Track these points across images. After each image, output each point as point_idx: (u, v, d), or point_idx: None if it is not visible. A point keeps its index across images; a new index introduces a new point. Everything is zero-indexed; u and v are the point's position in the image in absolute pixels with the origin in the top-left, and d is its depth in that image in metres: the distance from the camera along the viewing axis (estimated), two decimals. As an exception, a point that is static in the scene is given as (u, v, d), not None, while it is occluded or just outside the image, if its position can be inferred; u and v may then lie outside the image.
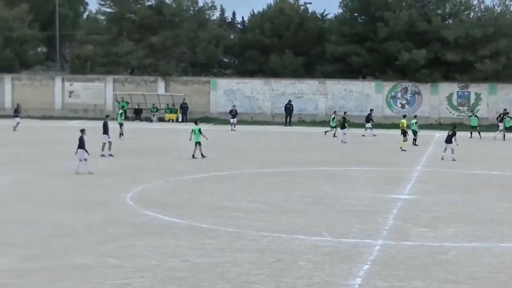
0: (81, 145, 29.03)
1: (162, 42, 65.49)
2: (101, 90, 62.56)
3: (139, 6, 71.17)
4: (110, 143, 35.12)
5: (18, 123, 46.09)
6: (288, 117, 58.55)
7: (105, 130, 35.14)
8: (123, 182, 27.91)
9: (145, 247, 17.86)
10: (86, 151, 29.30)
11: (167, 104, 60.95)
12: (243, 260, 16.59)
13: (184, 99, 59.72)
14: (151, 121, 59.55)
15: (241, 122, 57.49)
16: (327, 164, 34.60)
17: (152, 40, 65.97)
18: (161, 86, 62.86)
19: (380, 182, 29.14)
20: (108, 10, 71.96)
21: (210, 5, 70.65)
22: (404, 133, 41.22)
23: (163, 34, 65.91)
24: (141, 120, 60.27)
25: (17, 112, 47.71)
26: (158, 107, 60.90)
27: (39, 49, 75.39)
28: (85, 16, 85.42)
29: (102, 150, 35.00)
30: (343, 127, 46.87)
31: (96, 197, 24.68)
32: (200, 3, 70.56)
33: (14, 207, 22.81)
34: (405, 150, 40.13)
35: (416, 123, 45.13)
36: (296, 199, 24.98)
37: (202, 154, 35.21)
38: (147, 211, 22.45)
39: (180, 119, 59.64)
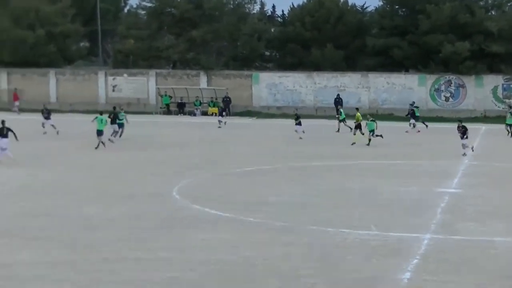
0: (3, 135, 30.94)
1: (202, 36, 65.79)
2: (143, 84, 63.06)
3: (178, 0, 71.56)
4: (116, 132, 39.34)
5: (52, 125, 42.89)
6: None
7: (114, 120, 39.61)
8: (170, 176, 28.17)
9: (194, 240, 18.07)
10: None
11: (211, 98, 61.24)
12: (292, 254, 16.71)
13: (226, 93, 60.01)
14: (194, 115, 59.84)
15: (284, 115, 57.59)
16: (372, 158, 34.52)
17: (192, 34, 66.31)
18: (203, 80, 63.17)
19: (426, 176, 29.00)
20: (148, 4, 72.43)
21: (249, -2, 70.74)
22: (359, 126, 40.70)
23: (203, 28, 66.20)
24: (185, 114, 60.62)
25: (47, 114, 44.12)
26: (201, 101, 61.20)
27: (81, 44, 76.14)
28: (125, 10, 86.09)
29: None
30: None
31: (144, 191, 24.96)
32: (240, -3, 70.65)
33: (60, 200, 23.21)
34: (354, 143, 39.17)
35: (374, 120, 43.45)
36: (343, 193, 25.00)
37: None
38: (194, 204, 22.66)
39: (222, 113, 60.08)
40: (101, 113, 38.04)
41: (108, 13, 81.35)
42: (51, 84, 63.42)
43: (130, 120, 43.00)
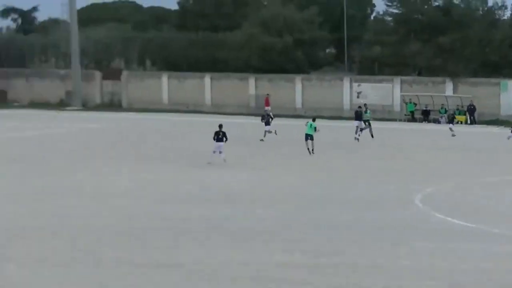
0: (220, 139, 32.25)
1: (450, 43, 64.54)
2: (389, 91, 63.06)
3: (426, 7, 70.66)
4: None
5: (268, 131, 42.48)
6: None
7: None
8: (414, 183, 28.07)
9: (437, 250, 17.96)
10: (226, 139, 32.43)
11: (457, 106, 59.90)
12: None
13: (471, 101, 58.42)
14: (438, 122, 58.86)
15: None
16: None
17: (440, 40, 65.26)
18: (449, 87, 61.94)
19: None
20: (395, 11, 72.36)
21: (500, 4, 68.32)
22: None
23: (451, 34, 64.95)
24: (429, 121, 59.85)
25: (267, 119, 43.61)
26: (446, 109, 60.04)
27: (328, 51, 77.77)
28: (372, 17, 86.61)
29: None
30: None
31: (386, 197, 25.11)
32: (490, 3, 68.40)
33: (307, 206, 23.94)
34: None
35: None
36: None
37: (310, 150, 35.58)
38: (437, 213, 22.45)
39: (468, 121, 58.48)
40: (314, 119, 38.36)
41: (355, 19, 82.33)
42: (297, 89, 65.26)
43: (374, 127, 43.32)
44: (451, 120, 50.02)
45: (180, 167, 32.05)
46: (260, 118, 44.60)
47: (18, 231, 19.71)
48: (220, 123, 33.89)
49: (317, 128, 35.65)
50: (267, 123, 42.61)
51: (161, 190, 26.39)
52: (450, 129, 47.79)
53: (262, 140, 41.53)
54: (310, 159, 34.97)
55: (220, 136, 32.58)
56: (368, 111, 44.70)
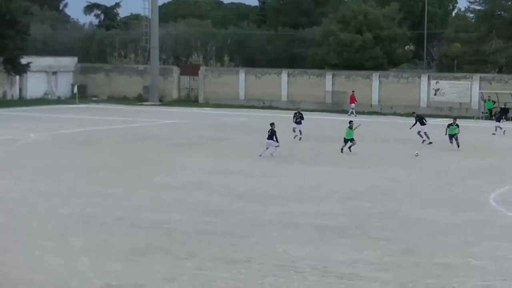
0: (270, 136, 33.18)
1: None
2: (467, 89, 61.69)
3: (510, 3, 68.92)
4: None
5: (300, 131, 39.90)
6: None
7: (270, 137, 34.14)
8: (488, 182, 27.33)
9: (510, 250, 17.39)
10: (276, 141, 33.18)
11: (538, 104, 58.17)
12: None
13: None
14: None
15: None
16: None
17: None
18: (531, 85, 60.31)
19: None
20: (478, 7, 70.82)
21: None
22: None
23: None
24: (508, 119, 58.21)
25: (299, 118, 40.47)
26: (526, 107, 58.35)
27: (407, 47, 76.74)
28: (453, 14, 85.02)
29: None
30: None
31: (461, 196, 24.55)
32: None
33: (381, 203, 23.59)
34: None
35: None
36: None
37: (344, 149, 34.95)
38: (511, 213, 21.81)
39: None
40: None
41: (436, 16, 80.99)
42: (374, 86, 64.56)
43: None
44: (498, 118, 47.92)
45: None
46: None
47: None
48: (272, 121, 34.38)
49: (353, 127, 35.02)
50: (299, 123, 40.26)
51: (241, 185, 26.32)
52: (499, 127, 45.87)
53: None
54: (385, 158, 34.38)
55: (269, 134, 33.53)
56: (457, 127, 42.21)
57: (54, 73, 72.32)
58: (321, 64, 68.37)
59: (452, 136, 37.56)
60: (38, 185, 25.73)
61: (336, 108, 63.03)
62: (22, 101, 66.61)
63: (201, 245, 17.55)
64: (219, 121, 52.48)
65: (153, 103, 68.14)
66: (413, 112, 45.80)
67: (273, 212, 21.68)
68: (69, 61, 74.38)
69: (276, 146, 33.23)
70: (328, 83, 65.92)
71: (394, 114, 60.91)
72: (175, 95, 71.73)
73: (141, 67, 73.70)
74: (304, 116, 41.09)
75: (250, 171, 29.52)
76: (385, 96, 63.87)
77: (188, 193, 24.50)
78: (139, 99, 70.45)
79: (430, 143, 39.34)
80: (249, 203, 22.96)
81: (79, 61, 75.32)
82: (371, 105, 63.92)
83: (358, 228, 19.66)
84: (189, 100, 70.24)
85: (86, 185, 25.85)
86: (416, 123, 40.83)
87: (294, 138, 39.90)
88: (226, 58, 74.10)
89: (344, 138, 35.24)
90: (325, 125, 49.94)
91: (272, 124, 33.60)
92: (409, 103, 62.39)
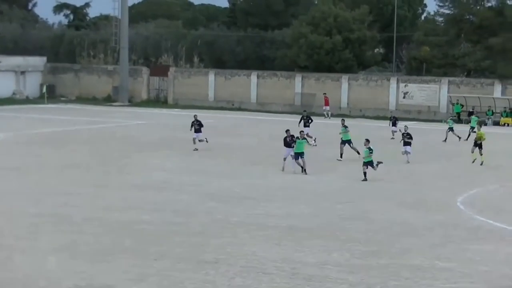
0: (286, 144, 30.39)
1: (501, 44, 63.43)
2: (435, 92, 62.28)
3: (478, 7, 69.62)
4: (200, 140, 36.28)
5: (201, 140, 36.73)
6: None
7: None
8: (456, 185, 27.59)
9: (477, 252, 17.59)
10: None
11: (504, 108, 58.82)
12: None
13: (517, 103, 57.49)
14: (485, 124, 57.84)
15: None
16: None
17: (490, 42, 64.21)
18: (497, 89, 60.88)
19: None
20: (447, 11, 71.41)
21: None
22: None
23: (503, 35, 63.82)
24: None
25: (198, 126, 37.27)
26: (494, 111, 59.00)
27: (376, 50, 77.08)
28: (423, 17, 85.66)
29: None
30: None
31: (429, 198, 24.74)
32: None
33: (351, 205, 23.71)
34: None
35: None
36: None
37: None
38: (479, 216, 22.00)
39: (517, 124, 57.44)
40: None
41: (405, 19, 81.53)
42: (343, 89, 64.85)
43: (418, 128, 42.75)
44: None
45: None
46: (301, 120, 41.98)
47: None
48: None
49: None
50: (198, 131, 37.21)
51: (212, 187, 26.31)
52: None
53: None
54: (353, 160, 34.59)
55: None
56: (451, 121, 44.22)
57: (23, 72, 71.71)
58: (290, 66, 68.50)
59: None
60: (6, 184, 25.51)
61: (305, 110, 62.93)
62: (-11, 101, 66.16)
63: (170, 245, 17.53)
64: (188, 123, 52.14)
65: (122, 104, 67.98)
66: (391, 112, 47.49)
67: (242, 213, 21.72)
68: (38, 61, 73.84)
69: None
70: (298, 85, 66.19)
71: (363, 116, 61.30)
72: (144, 96, 71.54)
73: (110, 67, 73.44)
74: (311, 118, 41.89)
75: (219, 172, 29.54)
76: (354, 99, 64.22)
77: (157, 193, 24.45)
78: (108, 100, 70.21)
79: (392, 138, 42.16)
80: (219, 204, 22.98)
81: (48, 60, 74.84)
82: (340, 107, 64.20)
83: (327, 230, 19.74)
84: (158, 101, 70.12)
85: (55, 184, 25.70)
86: (390, 122, 44.22)
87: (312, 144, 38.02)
88: (196, 59, 74.05)
89: (343, 141, 34.75)
90: (294, 127, 49.93)
91: (287, 131, 31.07)
92: (378, 106, 62.81)
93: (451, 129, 43.61)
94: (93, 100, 69.72)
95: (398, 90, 63.12)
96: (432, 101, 62.01)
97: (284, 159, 30.26)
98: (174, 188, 25.54)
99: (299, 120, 41.91)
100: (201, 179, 27.79)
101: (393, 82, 63.56)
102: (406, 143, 34.03)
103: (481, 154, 33.43)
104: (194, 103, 67.21)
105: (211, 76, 69.04)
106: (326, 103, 61.01)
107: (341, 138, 35.08)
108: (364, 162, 28.82)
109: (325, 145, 37.22)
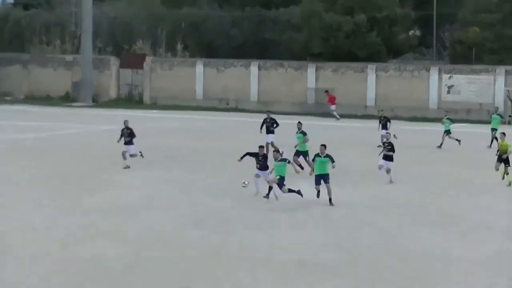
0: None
1: None
2: (489, 85, 62.06)
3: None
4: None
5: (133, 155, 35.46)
6: None
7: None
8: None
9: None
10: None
11: None
12: None
13: None
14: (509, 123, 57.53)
15: None
16: None
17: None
18: None
19: None
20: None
21: None
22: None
23: None
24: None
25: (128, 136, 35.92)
26: None
27: (411, 32, 77.05)
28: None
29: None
30: None
31: (467, 218, 24.67)
32: None
33: (384, 229, 23.55)
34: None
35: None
36: None
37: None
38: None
39: None
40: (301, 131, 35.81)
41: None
42: (369, 82, 64.71)
43: (462, 131, 42.66)
44: None
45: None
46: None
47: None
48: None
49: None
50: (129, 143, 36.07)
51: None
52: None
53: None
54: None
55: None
56: (447, 121, 43.71)
57: None
58: (301, 54, 68.47)
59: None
60: None
61: (321, 109, 63.21)
62: None
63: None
64: (169, 128, 52.25)
65: (84, 104, 68.18)
66: (381, 110, 47.04)
67: (238, 243, 21.51)
68: None
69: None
70: (311, 78, 66.25)
71: (395, 118, 60.90)
72: (113, 93, 71.82)
73: (69, 57, 73.62)
74: (277, 122, 39.85)
75: (207, 189, 29.41)
76: (383, 95, 64.07)
77: (128, 219, 24.27)
78: (67, 99, 70.47)
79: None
80: (207, 231, 22.79)
81: None
82: (365, 106, 64.11)
83: (348, 265, 19.61)
84: (131, 100, 70.43)
85: (-6, 210, 25.52)
86: (380, 124, 43.63)
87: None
88: (179, 46, 74.26)
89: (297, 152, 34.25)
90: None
91: (261, 148, 30.29)
92: (415, 103, 62.63)
93: (447, 132, 43.42)
94: (47, 100, 69.86)
95: (440, 83, 62.96)
96: (484, 97, 61.78)
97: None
98: (148, 212, 25.36)
99: (260, 124, 40.08)
100: (184, 198, 27.64)
101: (433, 73, 63.39)
102: (387, 157, 32.22)
103: (507, 173, 32.10)
104: (177, 102, 67.54)
105: (199, 67, 69.23)
106: (332, 102, 61.08)
107: (296, 149, 34.37)
108: (316, 175, 27.87)
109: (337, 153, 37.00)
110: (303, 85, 66.25)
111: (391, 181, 31.87)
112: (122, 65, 72.34)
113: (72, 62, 72.72)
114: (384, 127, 43.20)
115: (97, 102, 69.53)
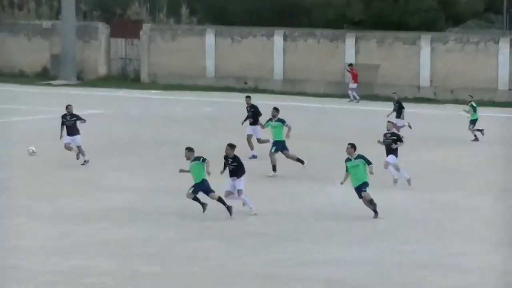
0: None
1: None
2: None
3: None
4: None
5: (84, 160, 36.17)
6: None
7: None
8: None
9: None
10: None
11: None
12: None
13: None
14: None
15: None
16: None
17: None
18: None
19: None
20: None
21: None
22: None
23: None
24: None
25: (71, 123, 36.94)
26: None
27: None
28: None
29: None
30: None
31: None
32: None
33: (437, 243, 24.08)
34: None
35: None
36: None
37: None
38: None
39: None
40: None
41: None
42: (423, 57, 64.79)
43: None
44: None
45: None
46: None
47: None
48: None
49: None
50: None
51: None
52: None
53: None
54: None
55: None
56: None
57: None
58: (337, 21, 68.55)
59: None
60: None
61: (362, 91, 62.85)
62: None
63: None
64: (170, 113, 52.98)
65: (67, 82, 68.40)
66: (394, 93, 47.50)
67: (252, 257, 22.05)
68: None
69: None
70: (349, 51, 66.02)
71: (456, 102, 61.18)
72: (102, 69, 71.98)
73: (46, 24, 73.78)
74: (260, 111, 39.96)
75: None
76: (441, 73, 64.05)
77: (116, 228, 24.67)
78: (44, 76, 70.91)
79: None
80: (216, 243, 23.19)
81: None
82: (418, 87, 64.18)
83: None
84: (125, 78, 70.61)
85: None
86: (394, 111, 44.03)
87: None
88: (184, 10, 74.34)
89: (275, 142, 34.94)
90: (344, 121, 50.12)
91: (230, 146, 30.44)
92: (480, 84, 62.55)
93: (473, 121, 43.60)
94: (20, 77, 70.20)
95: (512, 58, 62.98)
96: None
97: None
98: (142, 218, 25.73)
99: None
100: (184, 202, 27.83)
101: (504, 45, 63.46)
102: (390, 150, 32.46)
103: None
104: (182, 80, 67.64)
105: (210, 38, 69.22)
106: (355, 79, 61.23)
107: (273, 139, 35.32)
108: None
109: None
110: (339, 60, 65.82)
111: (408, 181, 31.99)
112: (112, 34, 72.13)
113: (50, 30, 72.74)
114: (399, 114, 43.45)
115: (82, 80, 69.84)
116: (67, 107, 37.06)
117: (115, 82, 68.99)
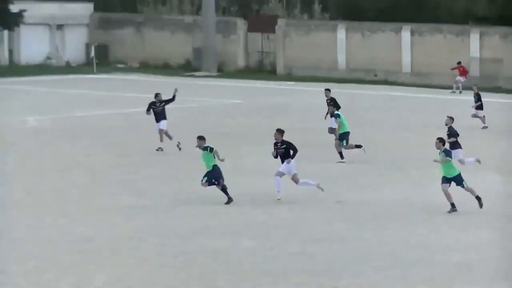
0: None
1: None
2: None
3: None
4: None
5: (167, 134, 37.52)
6: None
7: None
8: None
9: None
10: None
11: None
12: None
13: None
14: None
15: None
16: None
17: None
18: None
19: None
20: None
21: None
22: None
23: None
24: None
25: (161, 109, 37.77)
26: None
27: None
28: None
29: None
30: None
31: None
32: None
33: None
34: None
35: None
36: None
37: None
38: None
39: None
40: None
41: None
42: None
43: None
44: None
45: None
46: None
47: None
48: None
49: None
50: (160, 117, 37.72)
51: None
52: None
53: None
54: None
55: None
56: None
57: (60, 26, 73.85)
58: (462, 17, 68.21)
59: None
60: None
61: (487, 84, 61.30)
62: (14, 69, 68.68)
63: None
64: (302, 104, 53.63)
65: (208, 74, 69.87)
66: (474, 85, 47.74)
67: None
68: (82, 9, 75.88)
69: None
70: (474, 45, 66.06)
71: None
72: (241, 62, 73.28)
73: (188, 19, 75.04)
74: (338, 103, 40.04)
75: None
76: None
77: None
78: (187, 68, 72.29)
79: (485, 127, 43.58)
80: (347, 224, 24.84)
81: (96, 9, 76.54)
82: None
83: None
84: (262, 70, 71.81)
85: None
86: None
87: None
88: (316, 7, 74.44)
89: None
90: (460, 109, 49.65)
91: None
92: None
93: (479, 107, 44.59)
94: (165, 69, 71.35)
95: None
96: None
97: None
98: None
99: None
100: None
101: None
102: (452, 145, 31.61)
103: None
104: (316, 72, 68.22)
105: (341, 33, 70.00)
106: (463, 74, 62.09)
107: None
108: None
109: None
110: (465, 54, 65.52)
111: (478, 161, 31.79)
112: (250, 29, 73.11)
113: (192, 25, 73.93)
114: (480, 106, 44.08)
115: (222, 71, 71.10)
116: (156, 95, 37.45)
117: (253, 74, 70.18)
